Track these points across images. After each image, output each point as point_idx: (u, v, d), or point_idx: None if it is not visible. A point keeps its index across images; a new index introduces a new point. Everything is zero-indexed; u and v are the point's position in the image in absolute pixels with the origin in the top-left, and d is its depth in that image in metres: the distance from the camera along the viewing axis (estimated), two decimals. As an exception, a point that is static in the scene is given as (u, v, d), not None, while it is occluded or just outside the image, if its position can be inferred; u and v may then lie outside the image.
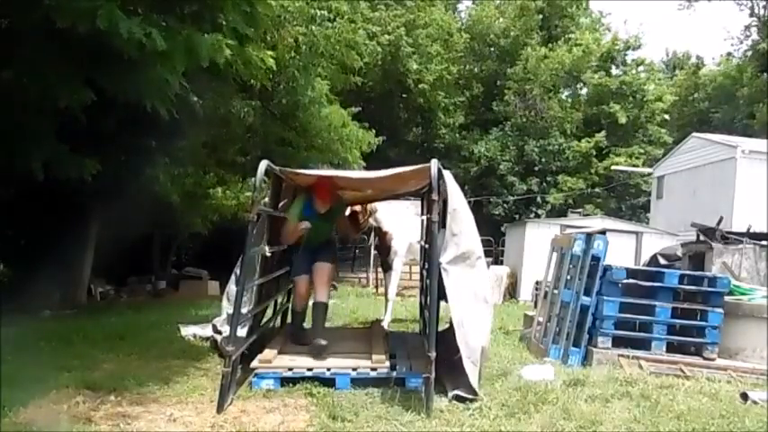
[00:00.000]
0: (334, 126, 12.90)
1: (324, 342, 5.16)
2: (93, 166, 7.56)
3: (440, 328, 4.89)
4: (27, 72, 5.94)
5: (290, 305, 6.18)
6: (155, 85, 5.90)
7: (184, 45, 5.46)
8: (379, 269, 8.85)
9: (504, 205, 24.63)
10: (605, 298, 6.00)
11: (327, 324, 8.40)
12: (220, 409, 4.14)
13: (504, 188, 24.77)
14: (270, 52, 7.83)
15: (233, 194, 12.32)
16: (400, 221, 7.85)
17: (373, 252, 8.18)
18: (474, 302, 4.72)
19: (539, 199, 24.32)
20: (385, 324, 7.44)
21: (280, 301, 6.60)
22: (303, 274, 5.67)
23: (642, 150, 24.89)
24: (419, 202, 7.14)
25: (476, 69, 27.68)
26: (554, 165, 24.78)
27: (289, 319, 6.52)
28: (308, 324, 5.91)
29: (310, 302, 5.76)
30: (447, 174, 4.86)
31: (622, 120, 24.40)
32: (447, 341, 4.65)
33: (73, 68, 5.83)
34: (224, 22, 5.82)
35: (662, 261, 9.18)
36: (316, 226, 5.46)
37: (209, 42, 5.53)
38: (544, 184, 24.69)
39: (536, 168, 24.82)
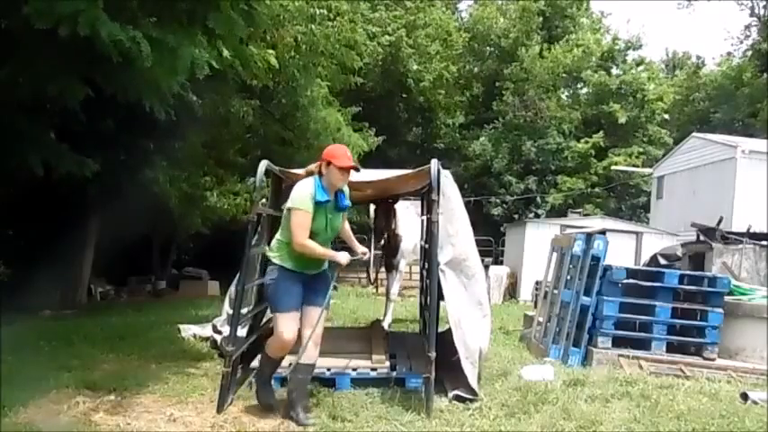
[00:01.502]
0: (329, 130, 12.90)
1: (310, 421, 3.98)
2: (93, 166, 7.57)
3: (440, 329, 4.89)
4: (22, 70, 5.94)
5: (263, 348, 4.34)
6: (154, 84, 5.89)
7: (170, 55, 5.44)
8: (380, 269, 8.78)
9: (504, 205, 24.64)
10: (605, 298, 6.00)
11: (327, 324, 8.39)
12: (220, 409, 4.14)
13: (502, 187, 24.79)
14: (270, 51, 7.84)
15: (227, 200, 12.27)
16: (408, 222, 7.84)
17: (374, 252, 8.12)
18: (471, 304, 4.73)
19: (538, 199, 24.32)
20: (386, 324, 7.44)
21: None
22: (293, 309, 4.06)
23: (642, 150, 24.88)
24: (419, 202, 7.14)
25: (476, 69, 27.70)
26: (552, 164, 24.78)
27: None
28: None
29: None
30: (446, 174, 4.86)
31: (622, 120, 24.40)
32: (447, 342, 4.65)
33: (68, 66, 5.82)
34: (214, 26, 5.79)
35: (662, 261, 9.18)
36: (330, 222, 4.11)
37: (192, 55, 5.52)
38: (543, 183, 24.69)
39: (533, 168, 24.82)
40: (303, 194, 3.97)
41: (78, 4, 4.72)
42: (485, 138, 25.44)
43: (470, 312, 4.71)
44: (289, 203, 4.00)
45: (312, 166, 4.14)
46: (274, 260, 4.11)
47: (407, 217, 7.92)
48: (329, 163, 4.02)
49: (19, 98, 6.37)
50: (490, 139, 25.45)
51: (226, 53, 5.94)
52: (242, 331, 5.07)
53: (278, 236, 4.15)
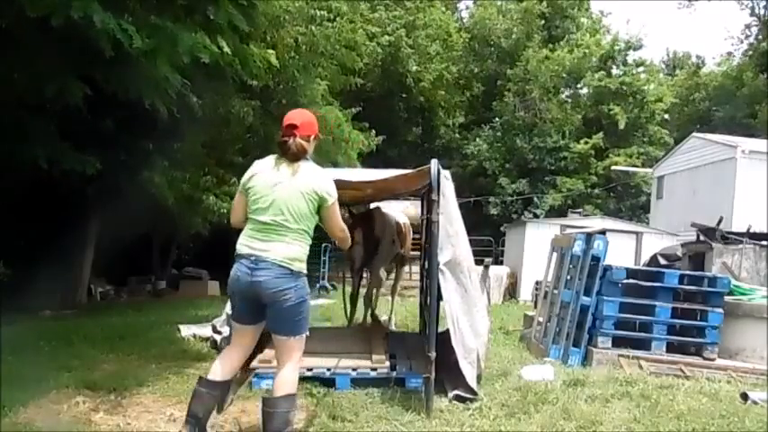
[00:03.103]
0: (329, 127, 12.90)
1: None
2: (95, 164, 7.60)
3: (440, 329, 4.89)
4: (21, 69, 5.94)
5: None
6: (154, 82, 5.90)
7: (169, 42, 5.44)
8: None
9: (503, 205, 24.66)
10: (605, 298, 6.00)
11: (327, 324, 8.30)
12: (220, 409, 4.12)
13: (501, 188, 24.81)
14: (270, 51, 7.85)
15: (225, 203, 12.26)
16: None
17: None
18: (469, 305, 4.73)
19: (536, 199, 24.33)
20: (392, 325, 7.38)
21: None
22: (247, 324, 3.51)
23: (642, 150, 24.89)
24: (419, 202, 7.12)
25: (476, 69, 27.72)
26: (551, 165, 24.79)
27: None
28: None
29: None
30: (446, 174, 4.85)
31: (622, 123, 24.41)
32: (448, 342, 4.65)
33: (67, 65, 5.83)
34: (213, 17, 5.78)
35: (662, 261, 9.17)
36: None
37: (193, 40, 5.52)
38: (542, 184, 24.71)
39: (530, 167, 24.84)
40: (333, 181, 3.49)
41: None
42: (480, 139, 25.48)
43: (469, 313, 4.72)
44: (333, 196, 3.45)
45: (303, 146, 3.42)
46: (304, 270, 3.41)
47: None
48: (315, 136, 3.57)
49: (19, 96, 6.38)
50: (487, 140, 25.47)
51: (226, 49, 5.93)
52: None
53: (306, 243, 3.41)
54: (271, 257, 3.29)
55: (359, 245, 6.33)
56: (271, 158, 3.48)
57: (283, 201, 3.34)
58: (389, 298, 8.26)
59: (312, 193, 3.37)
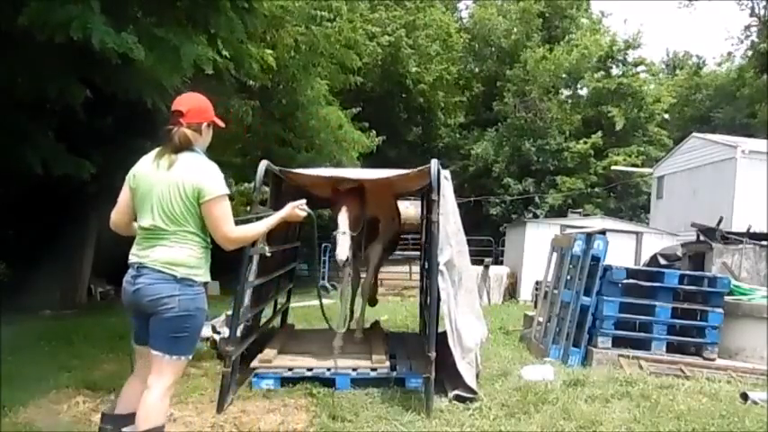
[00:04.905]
0: (331, 127, 12.92)
1: None
2: (90, 167, 7.59)
3: (441, 329, 4.89)
4: (21, 70, 5.95)
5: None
6: (154, 82, 5.91)
7: (172, 53, 5.47)
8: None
9: (503, 205, 24.66)
10: (605, 298, 6.00)
11: (326, 325, 8.29)
12: (220, 409, 4.14)
13: (501, 188, 24.81)
14: (269, 51, 7.86)
15: None
16: None
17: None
18: (466, 305, 4.73)
19: (537, 199, 24.33)
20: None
21: (280, 300, 6.60)
22: (144, 344, 2.98)
23: (642, 150, 24.89)
24: (419, 202, 7.13)
25: (476, 69, 27.74)
26: (552, 165, 24.79)
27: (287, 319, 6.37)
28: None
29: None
30: (445, 174, 4.85)
31: (620, 124, 24.40)
32: (447, 342, 4.65)
33: (67, 67, 5.83)
34: (214, 30, 5.81)
35: (662, 261, 9.18)
36: None
37: (195, 52, 5.54)
38: (542, 184, 24.70)
39: (533, 168, 24.86)
40: (220, 174, 2.94)
41: (72, 10, 4.73)
42: (487, 141, 25.50)
43: (466, 312, 4.72)
44: (219, 189, 2.88)
45: (188, 136, 2.92)
46: (197, 278, 3.02)
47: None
48: (210, 123, 3.06)
49: (19, 97, 6.38)
50: (492, 142, 25.48)
51: (225, 53, 5.95)
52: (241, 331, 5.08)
53: (197, 245, 3.01)
54: (150, 263, 2.88)
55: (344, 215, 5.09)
56: (153, 152, 2.99)
57: (158, 201, 2.89)
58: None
59: (187, 188, 2.85)
